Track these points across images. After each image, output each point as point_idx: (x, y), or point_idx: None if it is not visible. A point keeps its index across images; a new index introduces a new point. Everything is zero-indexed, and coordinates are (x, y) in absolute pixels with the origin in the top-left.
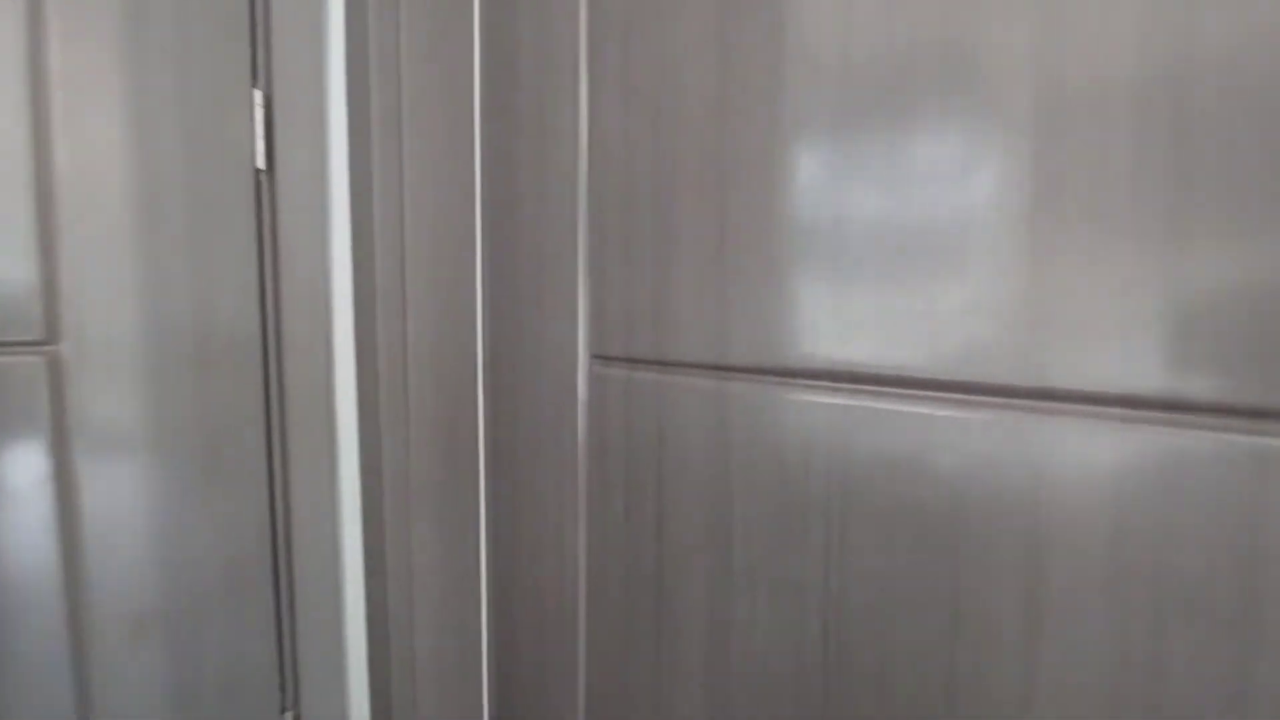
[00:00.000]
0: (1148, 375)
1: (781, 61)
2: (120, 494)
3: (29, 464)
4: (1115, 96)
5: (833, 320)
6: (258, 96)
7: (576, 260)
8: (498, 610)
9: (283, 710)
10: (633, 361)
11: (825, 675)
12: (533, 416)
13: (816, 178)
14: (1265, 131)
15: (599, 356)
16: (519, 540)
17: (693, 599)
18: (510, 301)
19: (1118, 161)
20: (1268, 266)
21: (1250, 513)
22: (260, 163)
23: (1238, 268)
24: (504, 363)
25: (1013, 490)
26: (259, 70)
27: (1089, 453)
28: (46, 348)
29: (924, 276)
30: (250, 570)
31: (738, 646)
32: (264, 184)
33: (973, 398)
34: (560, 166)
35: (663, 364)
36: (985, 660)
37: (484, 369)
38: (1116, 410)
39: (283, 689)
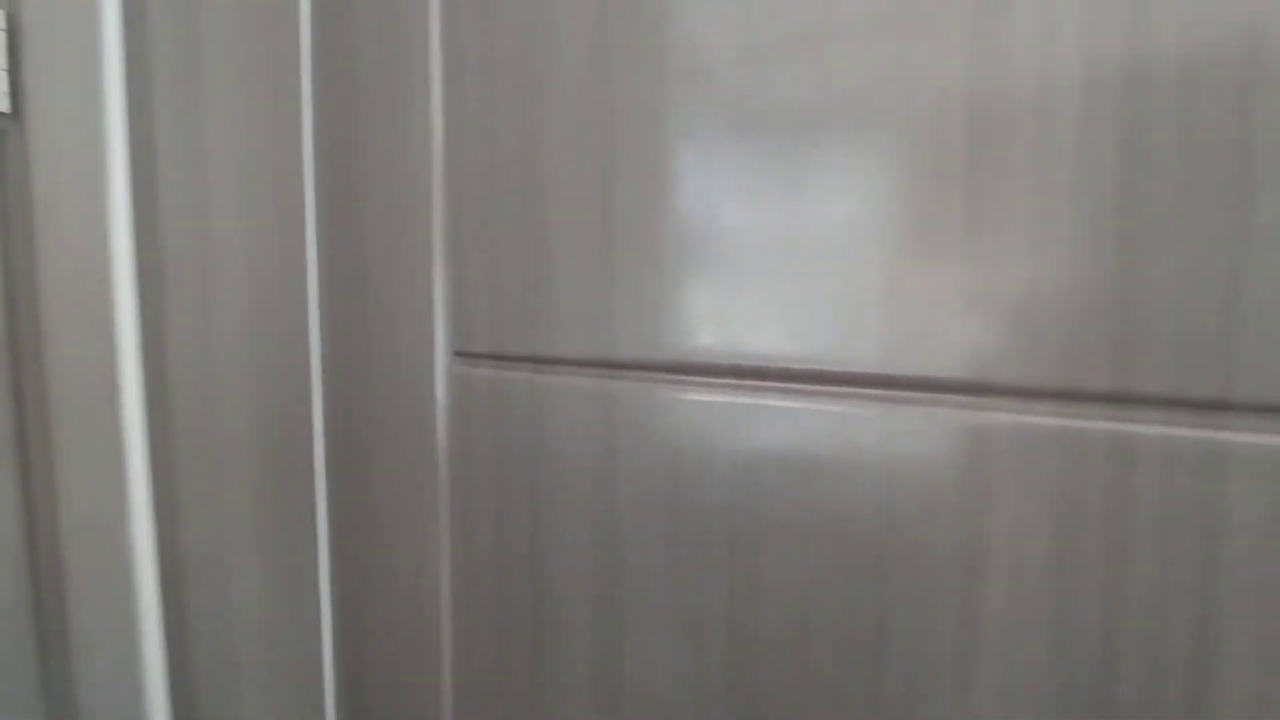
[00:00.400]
0: (1094, 370)
1: (670, 22)
2: None
3: None
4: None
5: (736, 309)
6: None
7: (431, 245)
8: (345, 658)
9: None
10: (501, 359)
11: (732, 712)
12: (384, 425)
13: (720, 151)
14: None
15: (463, 354)
16: (369, 573)
17: (576, 631)
18: (353, 291)
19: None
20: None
21: (1210, 516)
22: (3, 105)
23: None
24: (347, 363)
25: (947, 494)
26: None
27: (1029, 452)
28: None
29: (836, 261)
30: (5, 632)
31: (631, 684)
32: (10, 134)
33: (895, 393)
34: (410, 143)
35: (536, 361)
36: (918, 688)
37: (322, 371)
38: (1052, 405)
39: None
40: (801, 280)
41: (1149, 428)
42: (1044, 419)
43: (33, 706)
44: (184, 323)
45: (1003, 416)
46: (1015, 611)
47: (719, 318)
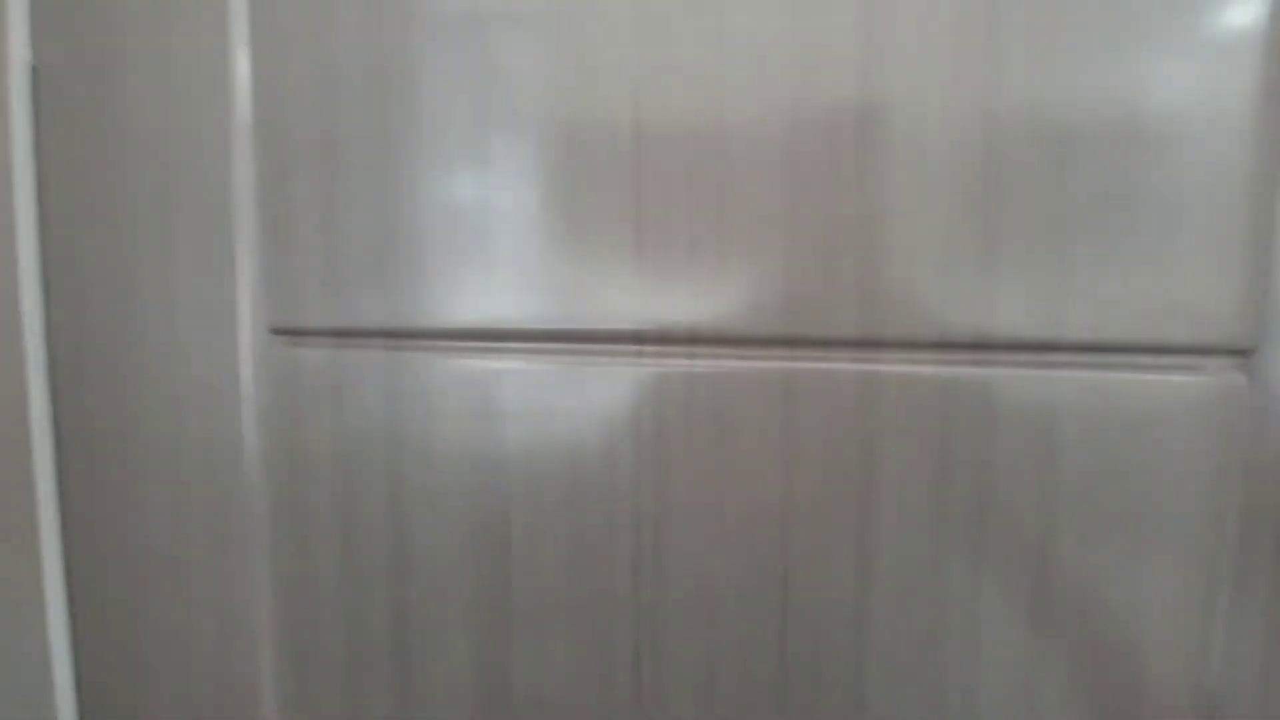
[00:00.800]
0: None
1: None
2: None
3: None
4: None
5: (633, 270)
6: None
7: (229, 196)
8: None
9: None
10: (343, 335)
11: (640, 701)
12: (159, 430)
13: (607, 105)
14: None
15: (284, 332)
16: (141, 622)
17: (455, 644)
18: (101, 261)
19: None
20: None
21: (1047, 435)
22: None
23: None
24: (91, 353)
25: (843, 445)
26: None
27: (912, 397)
28: None
29: (734, 229)
30: None
31: (522, 687)
32: None
33: (796, 351)
34: (197, 64)
35: (394, 335)
36: (820, 637)
37: (46, 364)
38: (930, 354)
39: None
40: (699, 245)
41: (1001, 369)
42: (923, 368)
43: None
44: None
45: (891, 368)
46: (901, 546)
47: (613, 278)
